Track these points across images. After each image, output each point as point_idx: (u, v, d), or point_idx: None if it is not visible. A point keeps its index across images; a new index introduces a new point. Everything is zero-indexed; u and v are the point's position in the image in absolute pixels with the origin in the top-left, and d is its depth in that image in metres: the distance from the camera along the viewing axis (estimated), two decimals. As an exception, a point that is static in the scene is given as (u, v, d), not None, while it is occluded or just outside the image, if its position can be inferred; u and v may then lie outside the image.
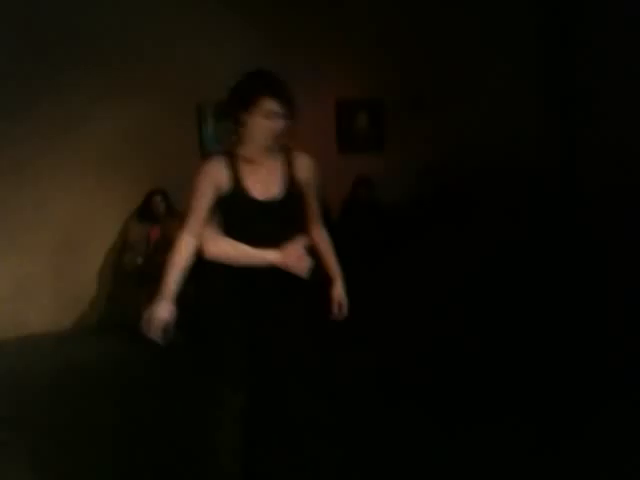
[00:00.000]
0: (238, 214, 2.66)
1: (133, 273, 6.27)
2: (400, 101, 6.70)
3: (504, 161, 6.20)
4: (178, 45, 6.23)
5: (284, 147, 2.69)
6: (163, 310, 2.58)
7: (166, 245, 6.09)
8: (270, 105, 2.55)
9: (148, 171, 6.23)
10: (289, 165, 2.70)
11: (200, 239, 2.67)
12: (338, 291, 2.81)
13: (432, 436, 3.34)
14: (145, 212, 6.35)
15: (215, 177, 2.63)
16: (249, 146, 2.62)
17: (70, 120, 6.06)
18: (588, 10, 6.13)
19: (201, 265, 2.76)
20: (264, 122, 2.56)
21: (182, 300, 2.75)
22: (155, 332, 2.56)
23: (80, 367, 5.11)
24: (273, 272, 2.64)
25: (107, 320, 6.37)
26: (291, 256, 2.63)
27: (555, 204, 6.14)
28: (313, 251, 2.77)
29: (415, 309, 4.93)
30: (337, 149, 6.61)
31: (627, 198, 5.29)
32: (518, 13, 6.46)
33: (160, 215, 6.32)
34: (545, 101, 6.59)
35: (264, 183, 2.65)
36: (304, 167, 2.72)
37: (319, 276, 2.78)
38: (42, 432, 3.87)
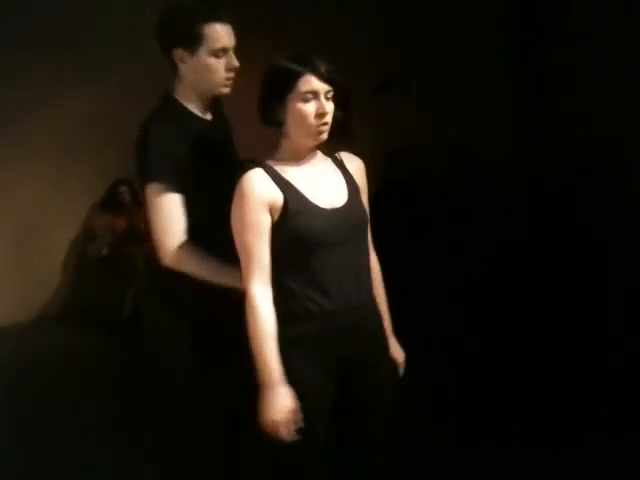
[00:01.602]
0: (300, 235, 1.98)
1: (97, 263, 6.21)
2: (368, 86, 6.61)
3: (476, 148, 6.23)
4: (146, 22, 6.07)
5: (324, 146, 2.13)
6: (286, 398, 1.93)
7: (131, 235, 6.12)
8: (310, 84, 1.98)
9: (113, 158, 5.94)
10: (342, 166, 2.16)
11: (270, 289, 1.99)
12: (395, 347, 2.30)
13: (432, 436, 3.34)
14: (110, 201, 6.26)
15: (265, 193, 1.98)
16: (292, 145, 2.06)
17: (26, 104, 5.83)
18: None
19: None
20: (306, 107, 1.98)
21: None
22: (290, 429, 1.93)
23: (42, 357, 5.09)
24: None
25: (70, 310, 6.30)
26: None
27: (555, 204, 6.14)
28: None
29: (414, 309, 4.93)
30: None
31: (627, 198, 5.29)
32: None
33: (125, 205, 6.23)
34: (519, 83, 6.58)
35: (325, 187, 2.07)
36: (359, 170, 2.19)
37: None
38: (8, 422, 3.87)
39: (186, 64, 2.27)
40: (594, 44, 5.74)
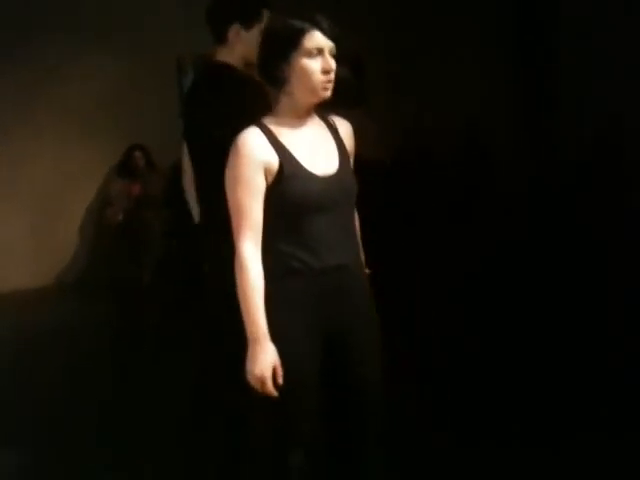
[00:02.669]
0: (292, 201, 2.00)
1: (114, 229, 6.25)
2: (384, 57, 6.64)
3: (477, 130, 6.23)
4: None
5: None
6: (270, 354, 1.96)
7: (147, 201, 6.17)
8: (315, 40, 1.97)
9: (127, 126, 6.15)
10: (334, 130, 2.14)
11: (260, 250, 2.01)
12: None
13: (431, 436, 3.34)
14: (125, 168, 6.32)
15: (261, 155, 1.98)
16: (292, 104, 2.04)
17: (41, 76, 6.00)
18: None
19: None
20: (312, 64, 1.98)
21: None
22: (270, 384, 1.96)
23: (61, 323, 5.11)
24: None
25: (88, 276, 6.36)
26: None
27: (555, 204, 6.14)
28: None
29: (414, 309, 4.93)
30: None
31: (627, 198, 5.29)
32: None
33: (140, 170, 6.28)
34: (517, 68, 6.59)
35: (319, 153, 2.07)
36: (348, 135, 2.18)
37: None
38: (22, 390, 3.88)
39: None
40: (594, 44, 5.75)
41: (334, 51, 2.02)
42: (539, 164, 6.42)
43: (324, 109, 2.14)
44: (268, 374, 1.95)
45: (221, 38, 2.54)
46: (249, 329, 1.97)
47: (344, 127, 2.19)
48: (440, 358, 4.19)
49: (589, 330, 4.38)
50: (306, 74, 1.98)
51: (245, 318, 1.98)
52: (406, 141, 6.83)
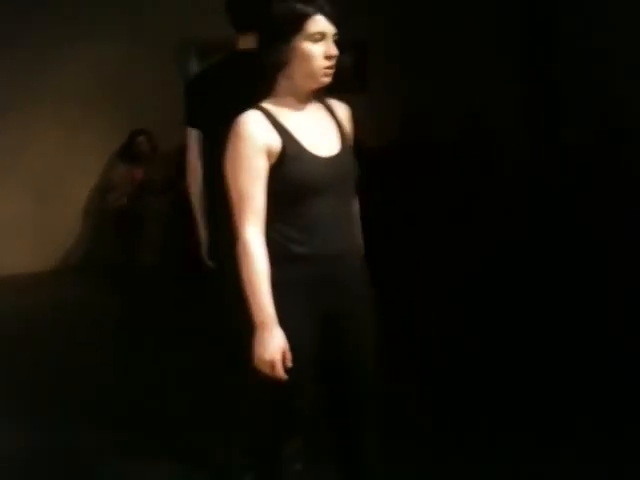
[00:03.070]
0: (295, 183, 1.97)
1: (117, 214, 6.25)
2: (385, 44, 6.64)
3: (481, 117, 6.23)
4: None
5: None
6: (278, 338, 1.95)
7: (150, 186, 6.18)
8: (319, 24, 1.95)
9: (128, 111, 6.15)
10: (332, 113, 2.13)
11: (263, 235, 1.98)
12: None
13: (431, 435, 3.34)
14: (128, 152, 6.32)
15: (262, 138, 1.95)
16: (291, 88, 2.02)
17: (44, 60, 6.00)
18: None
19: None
20: (314, 48, 1.96)
21: None
22: (281, 367, 1.95)
23: (63, 307, 5.13)
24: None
25: (91, 260, 6.37)
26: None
27: (555, 204, 6.14)
28: None
29: (414, 308, 4.93)
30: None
31: (627, 197, 5.29)
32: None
33: (144, 155, 6.28)
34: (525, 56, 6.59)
35: (320, 136, 2.05)
36: (347, 118, 2.17)
37: None
38: (23, 372, 3.94)
39: None
40: (597, 32, 5.74)
41: (336, 37, 1.99)
42: (541, 152, 6.41)
43: (324, 93, 2.14)
44: (279, 357, 1.93)
45: (244, 26, 2.53)
46: (257, 314, 1.94)
47: (342, 110, 2.16)
48: (440, 358, 4.18)
49: (589, 330, 4.38)
50: (308, 58, 1.96)
51: (252, 304, 1.94)
52: (407, 127, 6.80)
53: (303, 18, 1.94)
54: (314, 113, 2.08)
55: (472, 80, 6.42)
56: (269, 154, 1.96)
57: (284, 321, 1.96)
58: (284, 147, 1.96)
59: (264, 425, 2.17)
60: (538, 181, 6.39)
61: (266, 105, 2.01)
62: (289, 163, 1.96)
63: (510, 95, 6.63)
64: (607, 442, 3.17)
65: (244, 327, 1.99)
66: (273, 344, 1.94)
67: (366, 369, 2.18)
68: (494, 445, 3.20)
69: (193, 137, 2.76)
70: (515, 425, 3.38)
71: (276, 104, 2.02)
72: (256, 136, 1.94)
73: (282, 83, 2.03)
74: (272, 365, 1.94)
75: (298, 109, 2.04)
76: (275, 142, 1.96)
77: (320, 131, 2.06)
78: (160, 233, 6.00)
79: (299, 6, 1.94)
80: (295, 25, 1.94)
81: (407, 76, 6.70)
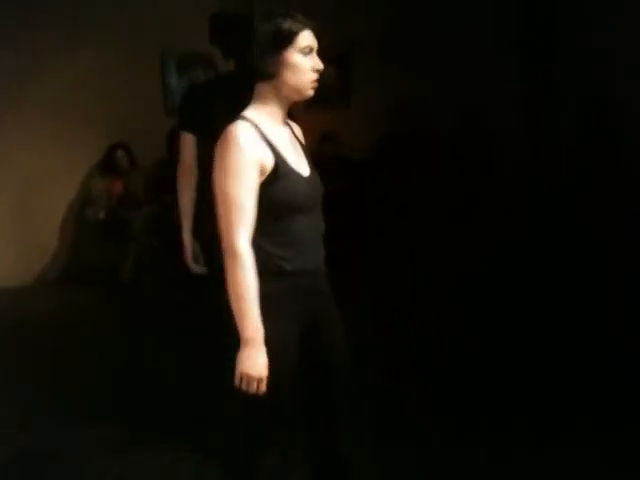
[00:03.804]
0: (284, 201, 2.00)
1: (95, 227, 6.27)
2: (369, 53, 6.64)
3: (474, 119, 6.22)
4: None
5: None
6: (264, 354, 1.94)
7: (128, 199, 6.19)
8: (308, 39, 2.03)
9: (110, 124, 6.09)
10: (292, 131, 2.19)
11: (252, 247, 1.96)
12: None
13: (431, 435, 3.34)
14: (107, 165, 6.32)
15: (256, 151, 1.94)
16: (276, 100, 2.05)
17: (24, 69, 5.92)
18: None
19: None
20: (304, 61, 2.02)
21: None
22: (265, 383, 1.95)
23: (41, 320, 5.14)
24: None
25: (69, 274, 6.35)
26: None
27: (555, 204, 6.14)
28: None
29: (413, 308, 4.93)
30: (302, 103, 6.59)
31: (627, 197, 5.28)
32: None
33: (122, 168, 6.28)
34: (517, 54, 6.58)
35: (296, 154, 2.10)
36: (302, 137, 2.24)
37: None
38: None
39: None
40: (597, 32, 5.74)
41: (318, 52, 2.07)
42: (541, 152, 6.41)
43: (311, 107, 2.19)
44: (265, 374, 1.94)
45: (231, 53, 2.66)
46: (246, 330, 1.91)
47: (297, 129, 2.23)
48: (440, 358, 4.19)
49: (589, 330, 4.38)
50: (297, 71, 2.00)
51: (241, 319, 1.91)
52: (406, 125, 6.78)
53: (294, 32, 2.00)
54: (285, 130, 2.12)
55: (472, 80, 6.40)
56: (262, 170, 1.95)
57: (270, 335, 1.95)
58: (277, 165, 1.98)
59: (243, 438, 2.18)
60: (538, 181, 6.38)
61: (251, 117, 2.02)
62: (281, 181, 1.97)
63: (510, 95, 6.61)
64: (607, 442, 3.17)
65: (228, 340, 1.98)
66: (261, 361, 1.93)
67: (347, 372, 2.27)
68: (494, 445, 3.20)
69: (188, 140, 2.80)
70: (515, 425, 3.38)
71: (259, 117, 2.03)
72: (250, 149, 1.93)
73: (266, 95, 2.05)
74: (254, 382, 1.94)
75: (277, 123, 2.07)
76: (268, 159, 1.97)
77: (295, 150, 2.11)
78: (139, 248, 6.02)
79: (290, 23, 2.00)
80: (287, 39, 1.99)
81: (406, 76, 6.68)
